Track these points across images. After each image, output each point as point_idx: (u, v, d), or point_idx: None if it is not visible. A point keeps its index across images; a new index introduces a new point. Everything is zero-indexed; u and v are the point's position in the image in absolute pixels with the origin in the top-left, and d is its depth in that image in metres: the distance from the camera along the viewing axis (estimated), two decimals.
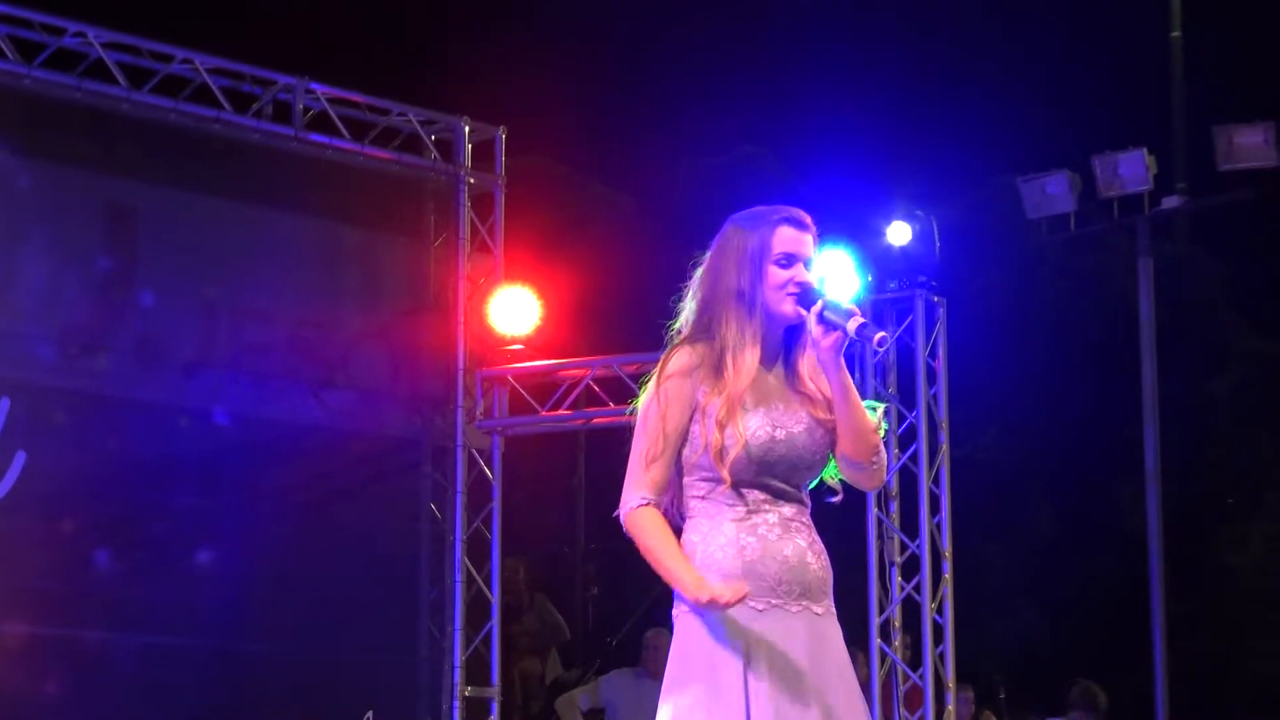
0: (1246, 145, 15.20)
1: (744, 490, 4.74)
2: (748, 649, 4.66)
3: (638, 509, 4.74)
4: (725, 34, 24.52)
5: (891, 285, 11.11)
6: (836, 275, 10.36)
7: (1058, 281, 22.16)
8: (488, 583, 11.33)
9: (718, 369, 4.74)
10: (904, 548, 11.18)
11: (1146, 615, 15.82)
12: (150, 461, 10.15)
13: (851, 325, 4.64)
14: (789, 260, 4.77)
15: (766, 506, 4.75)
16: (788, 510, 4.78)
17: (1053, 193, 15.71)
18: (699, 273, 4.92)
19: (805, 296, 4.72)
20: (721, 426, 4.69)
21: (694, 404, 4.74)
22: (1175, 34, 18.59)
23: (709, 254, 4.92)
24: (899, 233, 11.12)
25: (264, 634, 10.43)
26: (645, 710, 12.07)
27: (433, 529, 11.26)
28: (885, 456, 4.83)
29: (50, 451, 9.78)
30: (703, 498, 4.77)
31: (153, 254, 10.30)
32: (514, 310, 11.46)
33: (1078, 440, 20.59)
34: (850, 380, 4.73)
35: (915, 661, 11.26)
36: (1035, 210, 15.84)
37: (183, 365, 10.36)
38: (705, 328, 4.81)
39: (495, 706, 11.32)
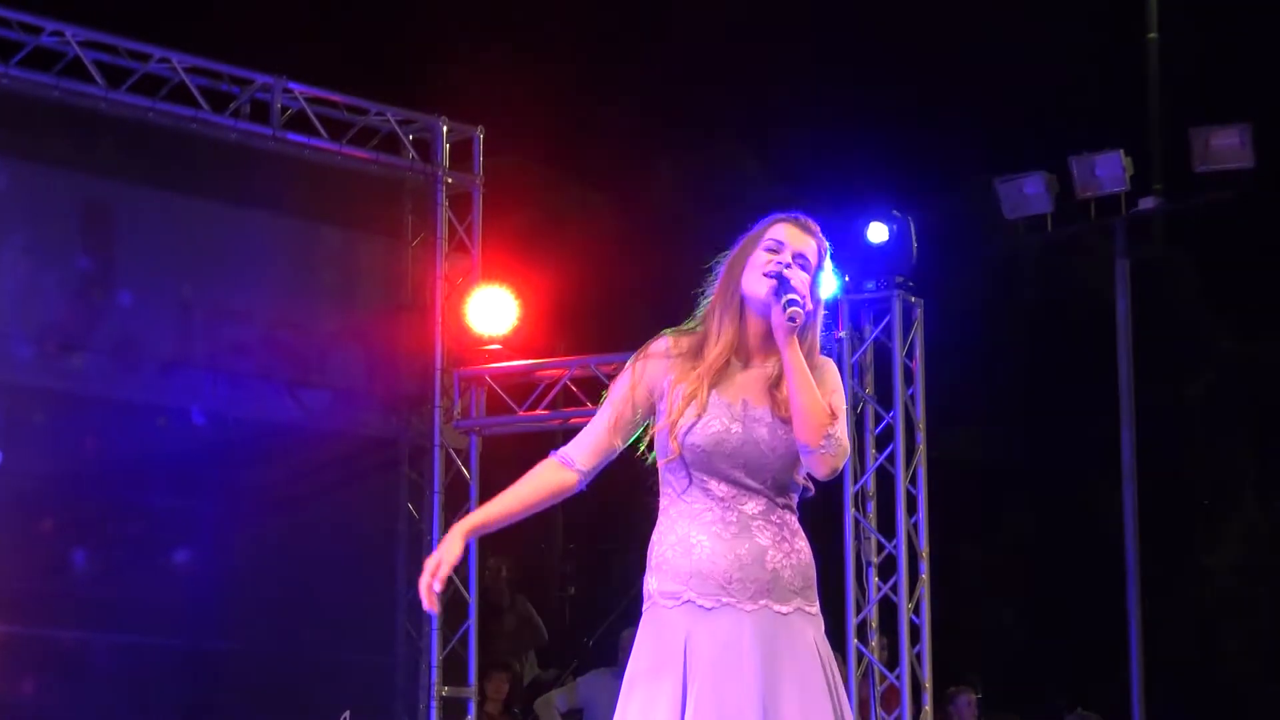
0: (1222, 147, 15.24)
1: (707, 484, 4.72)
2: (690, 645, 4.64)
3: (547, 458, 4.82)
4: (706, 34, 24.54)
5: (869, 285, 11.14)
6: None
7: (1034, 282, 22.21)
8: (465, 583, 11.35)
9: (697, 355, 4.77)
10: (881, 548, 11.21)
11: (1123, 616, 15.87)
12: (127, 461, 10.15)
13: (784, 300, 4.61)
14: (777, 246, 4.75)
15: (727, 503, 4.72)
16: (751, 508, 4.72)
17: (1030, 193, 15.74)
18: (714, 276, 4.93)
19: (782, 283, 4.66)
20: (687, 401, 4.68)
21: (660, 389, 4.76)
22: (1152, 36, 18.63)
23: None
24: (876, 233, 11.14)
25: (241, 633, 10.44)
26: None
27: (410, 529, 11.27)
28: (836, 443, 4.67)
29: (28, 451, 9.78)
30: (667, 485, 4.79)
31: (130, 254, 10.31)
32: (492, 310, 11.48)
33: (1054, 441, 20.64)
34: (799, 361, 4.64)
35: (892, 662, 11.29)
36: (1012, 211, 15.87)
37: (160, 365, 10.37)
38: (700, 319, 4.85)
39: (472, 706, 11.35)
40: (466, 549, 11.54)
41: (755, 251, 4.77)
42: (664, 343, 4.82)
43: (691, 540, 4.70)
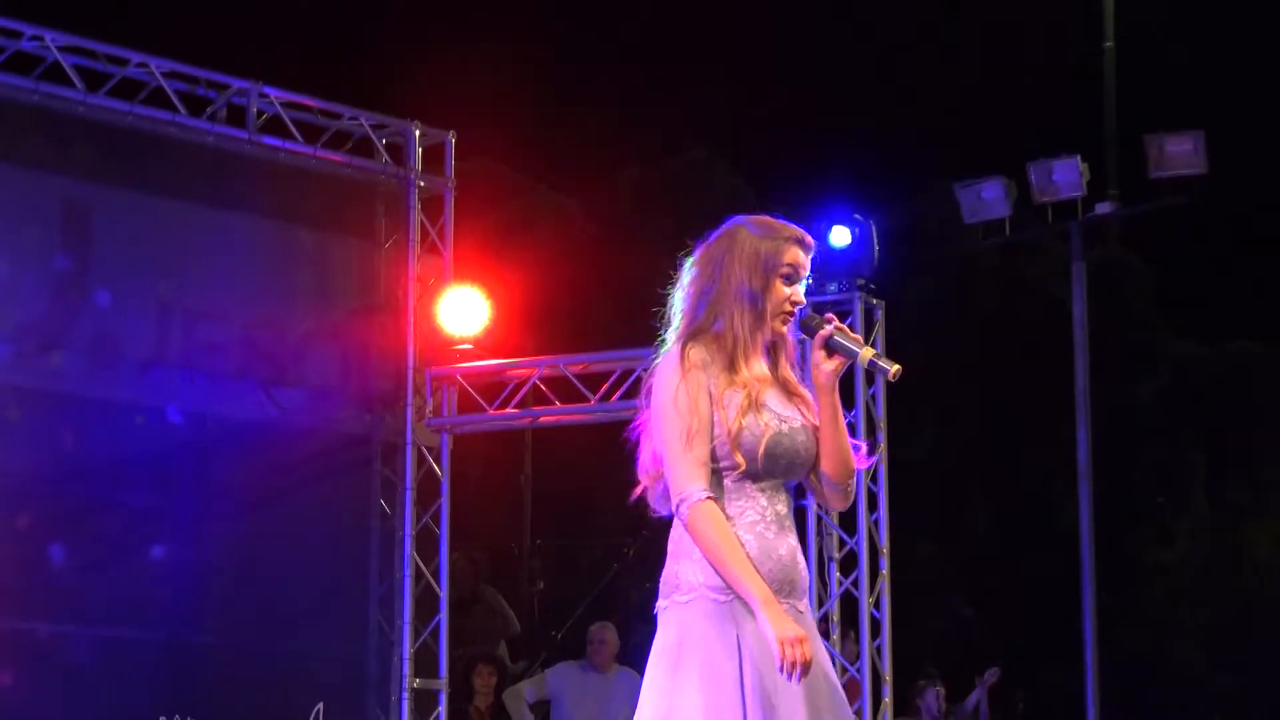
0: (1176, 153, 15.28)
1: (753, 487, 4.75)
2: (743, 644, 4.66)
3: (700, 503, 4.68)
4: (675, 42, 24.56)
5: (831, 288, 11.14)
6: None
7: (993, 285, 22.26)
8: (436, 577, 11.32)
9: (731, 364, 4.76)
10: (842, 544, 11.21)
11: (1078, 609, 15.89)
12: (105, 458, 10.12)
13: (864, 356, 4.71)
14: (793, 276, 4.81)
15: (766, 503, 4.76)
16: (782, 508, 4.80)
17: (988, 198, 15.75)
18: (699, 265, 4.89)
19: (806, 323, 4.78)
20: (744, 414, 4.69)
21: (711, 395, 4.73)
22: (1108, 44, 18.70)
23: (711, 249, 4.89)
24: (839, 236, 11.14)
25: (216, 628, 10.42)
26: (590, 701, 12.15)
27: (382, 525, 11.24)
28: (855, 484, 4.88)
29: (6, 447, 9.75)
30: (726, 489, 4.76)
31: (108, 254, 10.27)
32: (463, 311, 11.46)
33: (1012, 440, 20.69)
34: (839, 408, 4.78)
35: (853, 655, 11.31)
36: (972, 215, 15.88)
37: (137, 364, 10.33)
38: (713, 322, 4.81)
39: (443, 698, 11.32)
40: (437, 545, 11.52)
41: (775, 277, 4.79)
42: (698, 354, 4.76)
43: (741, 540, 4.70)
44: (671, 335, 4.90)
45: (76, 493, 9.98)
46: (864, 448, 4.88)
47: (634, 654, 12.64)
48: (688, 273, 4.93)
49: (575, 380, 11.38)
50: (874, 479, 11.18)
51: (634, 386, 11.13)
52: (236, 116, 10.80)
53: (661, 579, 4.84)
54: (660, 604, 4.81)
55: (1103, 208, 16.42)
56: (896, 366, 4.72)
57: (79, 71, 10.19)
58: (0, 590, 9.66)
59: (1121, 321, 21.74)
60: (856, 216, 11.21)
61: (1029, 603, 21.09)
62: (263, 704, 10.56)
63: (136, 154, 10.43)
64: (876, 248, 11.20)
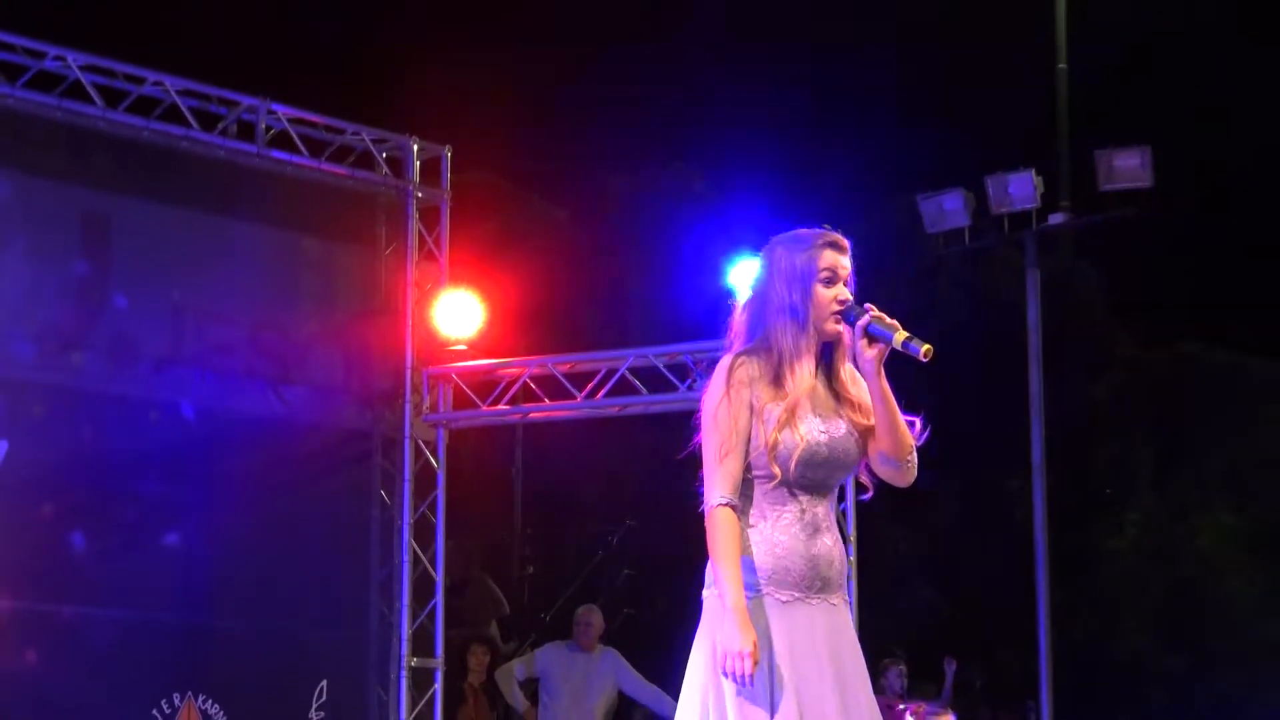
0: (1124, 167, 15.34)
1: (788, 489, 4.79)
2: (772, 636, 4.71)
3: (718, 508, 4.73)
4: (657, 62, 24.56)
5: None
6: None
7: (953, 291, 22.31)
8: (432, 563, 11.34)
9: (777, 378, 4.80)
10: None
11: (1032, 595, 15.94)
12: (122, 451, 10.11)
13: (898, 339, 4.73)
14: (832, 279, 4.84)
15: (804, 505, 4.80)
16: (820, 510, 4.84)
17: (949, 209, 15.82)
18: (751, 290, 4.96)
19: (848, 314, 4.79)
20: (781, 428, 4.73)
21: (753, 409, 4.78)
22: (1061, 65, 18.71)
23: (759, 274, 4.96)
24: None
25: (226, 610, 10.41)
26: (575, 679, 12.17)
27: (382, 514, 11.25)
28: (916, 457, 4.88)
29: (30, 441, 9.74)
30: (747, 496, 4.81)
31: (125, 260, 10.27)
32: (458, 314, 11.48)
33: (972, 437, 20.71)
34: (888, 387, 4.79)
35: None
36: (933, 225, 15.94)
37: (152, 363, 10.33)
38: (763, 340, 4.85)
39: (439, 676, 11.34)
40: (434, 533, 11.53)
41: (816, 286, 4.84)
42: (745, 371, 4.81)
43: (774, 540, 4.77)
44: (727, 354, 4.92)
45: (95, 483, 9.98)
46: (918, 424, 4.88)
47: (617, 635, 12.68)
48: (744, 296, 5.00)
49: (563, 379, 11.39)
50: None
51: (618, 385, 11.16)
52: (246, 132, 10.80)
53: (707, 569, 4.87)
54: (704, 593, 4.84)
55: (1056, 218, 16.47)
56: (928, 346, 4.73)
57: (98, 89, 10.20)
58: (24, 574, 9.68)
59: (1074, 325, 21.80)
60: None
61: (988, 588, 21.13)
62: (270, 682, 10.57)
63: (152, 167, 10.44)
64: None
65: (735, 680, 4.60)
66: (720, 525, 4.72)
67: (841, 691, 4.74)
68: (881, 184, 21.82)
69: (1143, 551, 22.53)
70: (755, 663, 4.60)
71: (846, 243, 4.94)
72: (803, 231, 4.96)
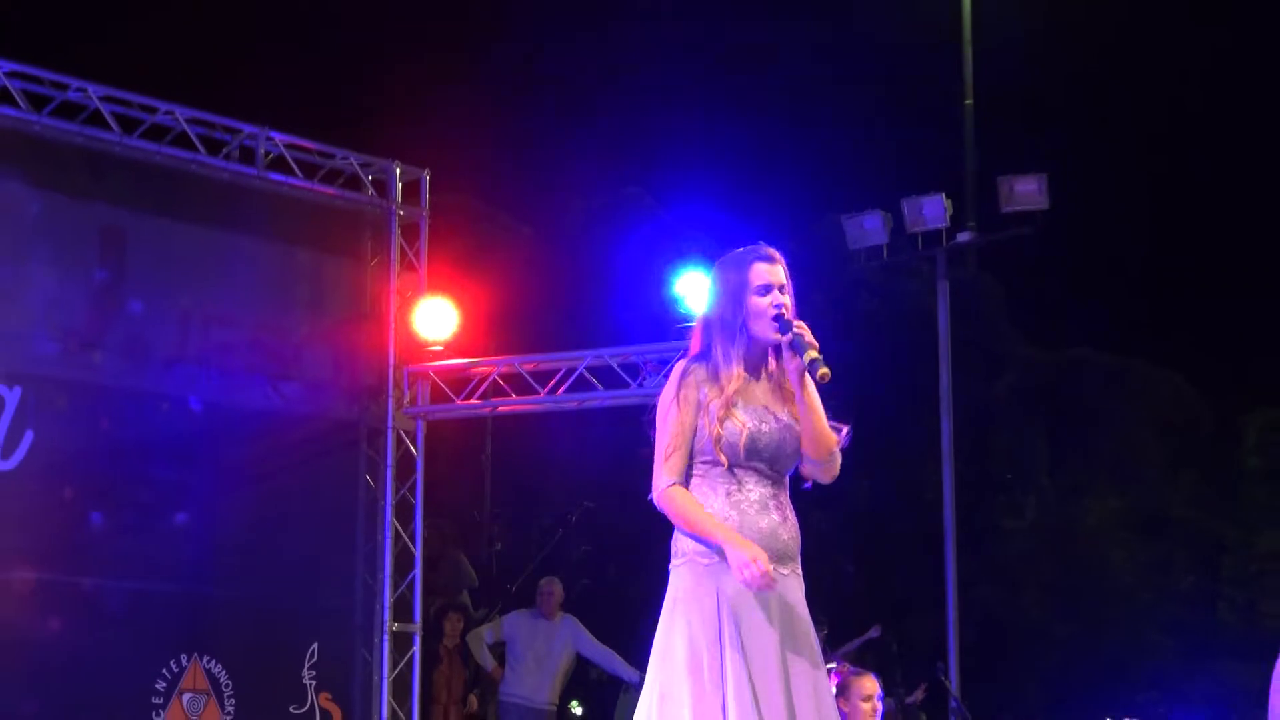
0: (1023, 192, 15.39)
1: (735, 472, 4.82)
2: (721, 596, 4.74)
3: (668, 489, 4.79)
4: (612, 98, 24.60)
5: None
6: (697, 294, 10.38)
7: (872, 300, 22.37)
8: (411, 539, 11.32)
9: (715, 378, 4.84)
10: None
11: (941, 567, 15.97)
12: (136, 439, 10.08)
13: (807, 357, 4.76)
14: (765, 290, 4.87)
15: (750, 486, 4.83)
16: (767, 490, 4.85)
17: (869, 228, 15.83)
18: (702, 310, 5.02)
19: (783, 321, 4.83)
20: (720, 422, 4.78)
21: (699, 405, 4.82)
22: (968, 102, 18.78)
23: (708, 291, 5.03)
24: (773, 263, 11.17)
25: (229, 581, 10.38)
26: (539, 642, 12.17)
27: (367, 496, 11.23)
28: (837, 459, 4.90)
29: (53, 431, 9.70)
30: (701, 477, 4.84)
31: (139, 270, 10.23)
32: (435, 319, 11.46)
33: (889, 428, 20.77)
34: (813, 394, 4.81)
35: None
36: (855, 242, 15.96)
37: (163, 361, 10.29)
38: (706, 348, 4.91)
39: (418, 639, 11.31)
40: (413, 513, 11.47)
41: (749, 297, 4.88)
42: (693, 376, 4.86)
43: (724, 514, 4.79)
44: (683, 359, 4.99)
45: (111, 468, 9.95)
46: (845, 430, 4.90)
47: (575, 603, 12.67)
48: (698, 313, 5.06)
49: (528, 376, 11.39)
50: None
51: (577, 382, 11.16)
52: (247, 156, 10.78)
53: (670, 545, 4.91)
54: (670, 565, 4.88)
55: (963, 237, 16.51)
56: (825, 370, 4.75)
57: (116, 117, 10.16)
58: (48, 549, 9.64)
59: (978, 331, 21.89)
60: (762, 243, 11.24)
61: (901, 562, 21.20)
62: (267, 645, 10.55)
63: (164, 187, 10.40)
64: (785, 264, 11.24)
65: (758, 582, 4.64)
66: (677, 497, 4.78)
67: (784, 649, 4.76)
68: (810, 206, 21.88)
69: (1038, 530, 22.64)
70: (766, 562, 4.66)
71: (777, 254, 4.97)
72: (739, 251, 5.00)
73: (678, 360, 4.99)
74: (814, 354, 4.76)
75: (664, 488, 4.78)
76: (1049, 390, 23.48)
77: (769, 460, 4.84)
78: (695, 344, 4.96)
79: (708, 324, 4.93)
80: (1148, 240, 25.82)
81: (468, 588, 14.29)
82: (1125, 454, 22.96)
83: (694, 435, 4.82)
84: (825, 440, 4.85)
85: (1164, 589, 22.58)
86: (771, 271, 4.91)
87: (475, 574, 14.58)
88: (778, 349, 4.88)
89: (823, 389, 4.83)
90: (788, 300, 4.89)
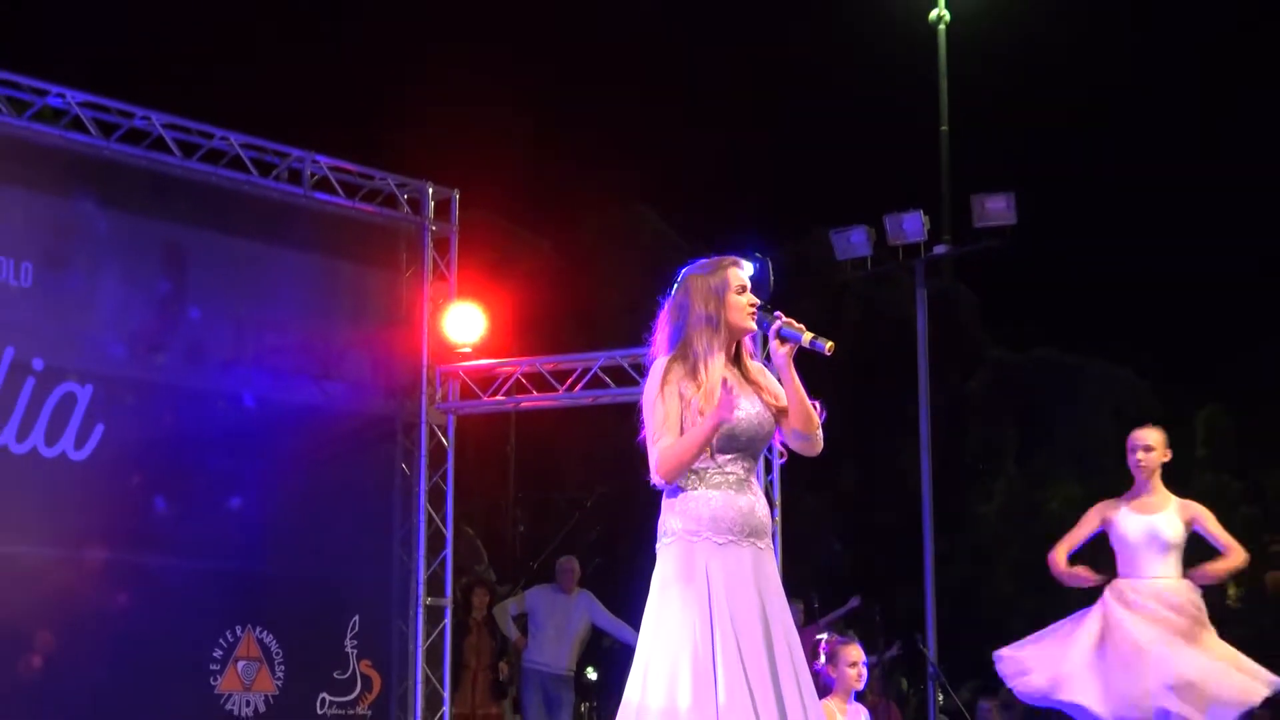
0: (994, 209, 15.37)
1: (715, 457, 4.83)
2: (710, 571, 4.75)
3: (660, 455, 4.77)
4: (621, 127, 24.59)
5: None
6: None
7: (857, 306, 22.36)
8: (443, 522, 11.32)
9: (694, 372, 4.85)
10: None
11: (919, 546, 15.97)
12: (195, 432, 10.08)
13: (806, 339, 4.81)
14: (742, 289, 4.96)
15: (730, 468, 4.84)
16: (744, 472, 4.88)
17: (855, 241, 15.83)
18: (669, 310, 5.01)
19: (761, 320, 4.90)
20: (701, 412, 4.77)
21: (681, 398, 4.82)
22: (944, 128, 18.80)
23: (676, 297, 5.01)
24: (745, 269, 11.17)
25: (278, 559, 10.38)
26: (558, 614, 12.16)
27: (403, 483, 11.23)
28: (822, 432, 4.94)
29: (122, 425, 9.70)
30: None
31: (198, 280, 10.23)
32: (464, 324, 11.47)
33: (873, 419, 20.77)
34: (797, 377, 4.86)
35: None
36: (842, 254, 15.95)
37: (219, 362, 10.29)
38: (685, 345, 4.90)
39: (449, 612, 11.31)
40: (444, 498, 11.43)
41: (729, 294, 4.92)
42: (674, 371, 4.86)
43: (707, 496, 4.80)
44: (658, 358, 4.96)
45: (174, 458, 9.94)
46: (818, 406, 4.92)
47: (590, 579, 12.66)
48: (664, 315, 5.03)
49: (548, 375, 11.39)
50: (769, 450, 11.18)
51: (591, 380, 11.16)
52: (295, 177, 10.77)
53: (657, 526, 4.91)
54: (658, 545, 4.88)
55: (939, 249, 16.52)
56: (830, 343, 4.82)
57: (177, 143, 10.16)
58: (116, 531, 9.65)
59: (953, 334, 21.86)
60: (758, 254, 11.23)
61: (883, 541, 21.18)
62: (312, 617, 10.54)
63: (220, 205, 10.40)
64: (772, 278, 11.23)
65: (731, 402, 4.68)
66: (667, 449, 4.76)
67: (766, 617, 4.76)
68: (801, 221, 21.87)
69: (1007, 513, 22.61)
70: (727, 386, 4.72)
71: (745, 261, 5.06)
72: (709, 260, 5.05)
73: (654, 359, 4.98)
74: (810, 334, 4.82)
75: (657, 460, 4.77)
76: (1016, 387, 23.47)
77: (746, 445, 4.85)
78: (664, 345, 4.96)
79: (681, 323, 4.92)
80: (1106, 251, 25.81)
81: (476, 560, 14.30)
82: (1085, 445, 22.91)
83: (679, 423, 4.81)
84: (812, 417, 4.89)
85: None
86: (742, 276, 4.99)
87: (483, 551, 14.59)
88: (738, 345, 4.95)
89: (812, 384, 4.85)
90: (758, 301, 4.97)
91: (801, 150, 25.46)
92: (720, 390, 4.72)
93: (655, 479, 4.80)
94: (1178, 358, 23.72)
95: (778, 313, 4.89)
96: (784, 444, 5.02)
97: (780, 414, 4.93)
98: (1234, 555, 7.73)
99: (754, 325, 4.92)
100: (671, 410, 4.80)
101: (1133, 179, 25.95)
